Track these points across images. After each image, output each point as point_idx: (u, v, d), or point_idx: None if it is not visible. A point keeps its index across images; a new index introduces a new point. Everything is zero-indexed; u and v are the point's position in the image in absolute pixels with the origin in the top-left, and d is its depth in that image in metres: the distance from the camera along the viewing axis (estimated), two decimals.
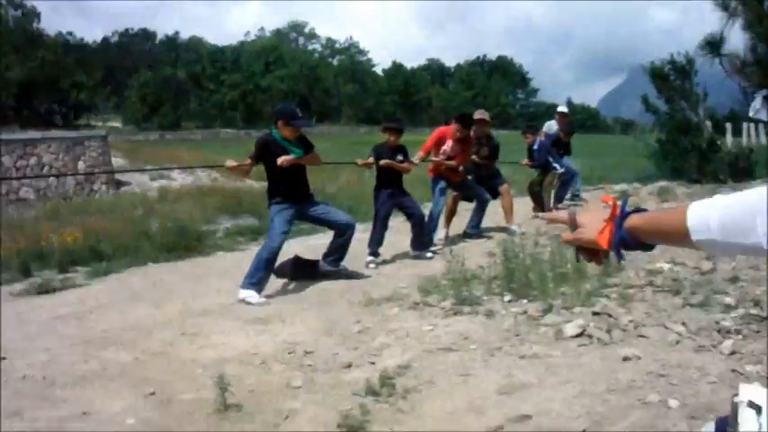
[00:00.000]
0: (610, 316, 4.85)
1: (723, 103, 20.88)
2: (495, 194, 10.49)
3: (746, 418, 1.75)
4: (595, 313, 4.94)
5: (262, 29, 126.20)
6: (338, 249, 7.61)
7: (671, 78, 14.89)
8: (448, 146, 9.48)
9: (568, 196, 13.18)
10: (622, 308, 5.05)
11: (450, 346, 4.73)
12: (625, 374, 3.87)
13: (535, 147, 11.84)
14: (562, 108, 14.40)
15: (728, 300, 5.00)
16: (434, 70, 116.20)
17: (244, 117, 78.16)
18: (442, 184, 9.67)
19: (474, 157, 10.18)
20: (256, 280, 6.79)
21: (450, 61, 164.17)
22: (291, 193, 7.21)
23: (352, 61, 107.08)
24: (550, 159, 11.79)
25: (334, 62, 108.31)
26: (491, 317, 5.29)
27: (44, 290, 7.60)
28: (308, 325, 5.65)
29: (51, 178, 19.16)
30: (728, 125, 20.48)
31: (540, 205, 11.81)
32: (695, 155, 14.54)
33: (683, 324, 4.55)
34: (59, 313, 6.59)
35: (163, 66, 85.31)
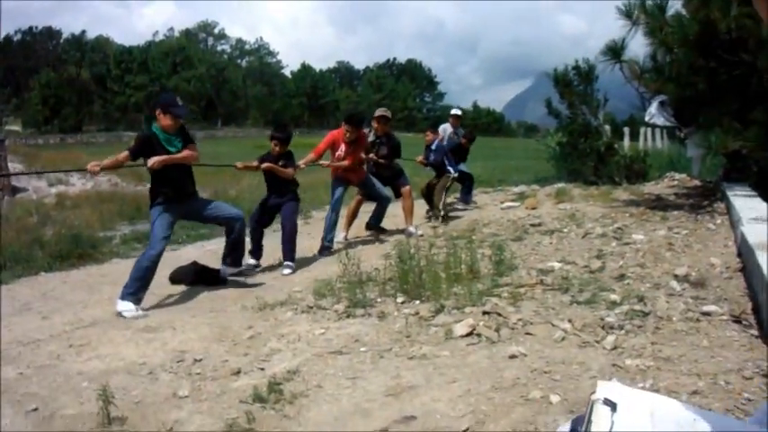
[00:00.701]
0: (499, 315, 4.91)
1: (622, 108, 21.45)
2: (398, 195, 10.53)
3: (601, 415, 1.77)
4: (486, 312, 4.99)
5: (171, 29, 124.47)
6: (234, 246, 7.44)
7: (574, 84, 15.19)
8: (341, 149, 9.48)
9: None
10: (512, 306, 5.12)
11: (341, 349, 4.71)
12: (510, 372, 3.92)
13: (433, 147, 11.81)
14: (455, 111, 14.85)
15: (614, 297, 5.13)
16: (343, 73, 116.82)
17: (148, 119, 76.93)
18: (341, 188, 9.66)
19: (372, 155, 10.20)
20: (134, 290, 6.43)
21: (360, 64, 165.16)
22: (174, 192, 6.84)
23: (260, 63, 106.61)
24: (446, 162, 11.73)
25: (243, 63, 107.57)
26: (383, 318, 5.30)
27: None
28: (199, 332, 5.55)
29: None
30: (626, 129, 21.05)
31: (432, 207, 11.78)
32: (593, 158, 14.85)
33: (570, 321, 4.63)
34: None
35: (67, 66, 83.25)
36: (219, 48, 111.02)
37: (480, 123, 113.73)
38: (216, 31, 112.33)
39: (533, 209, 10.90)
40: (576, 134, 15.55)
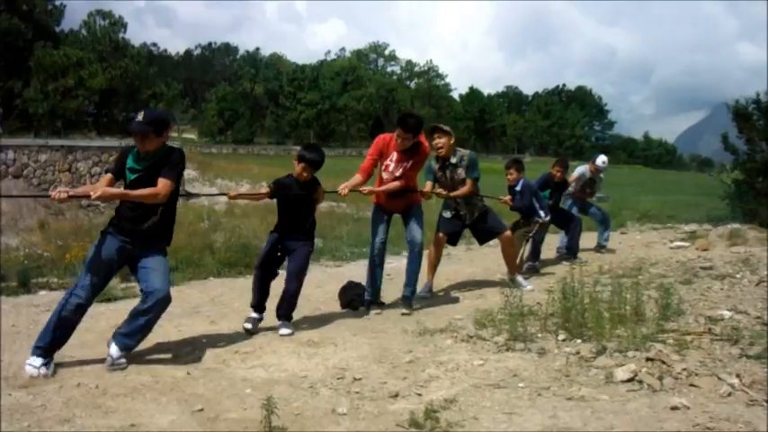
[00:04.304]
0: (663, 362, 4.77)
1: None
2: (483, 241, 8.67)
3: None
4: (649, 359, 4.86)
5: (342, 49, 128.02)
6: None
7: (754, 118, 14.56)
8: (391, 158, 7.22)
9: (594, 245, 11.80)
10: (677, 355, 4.96)
11: (499, 382, 4.71)
12: (671, 424, 3.81)
13: (517, 188, 9.24)
14: (600, 161, 11.68)
15: None
16: (511, 97, 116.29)
17: (318, 135, 78.93)
18: (384, 224, 7.44)
19: (454, 193, 7.85)
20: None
21: (529, 89, 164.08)
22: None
23: (429, 85, 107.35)
24: (535, 205, 9.32)
25: (412, 85, 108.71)
26: (543, 355, 5.26)
27: (106, 298, 7.74)
28: (359, 351, 5.68)
29: None
30: None
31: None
32: None
33: (738, 376, 4.45)
34: (118, 322, 6.73)
35: (242, 81, 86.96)
36: (389, 69, 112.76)
37: (651, 155, 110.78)
38: (386, 52, 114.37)
39: (704, 250, 10.54)
40: (754, 172, 14.88)
